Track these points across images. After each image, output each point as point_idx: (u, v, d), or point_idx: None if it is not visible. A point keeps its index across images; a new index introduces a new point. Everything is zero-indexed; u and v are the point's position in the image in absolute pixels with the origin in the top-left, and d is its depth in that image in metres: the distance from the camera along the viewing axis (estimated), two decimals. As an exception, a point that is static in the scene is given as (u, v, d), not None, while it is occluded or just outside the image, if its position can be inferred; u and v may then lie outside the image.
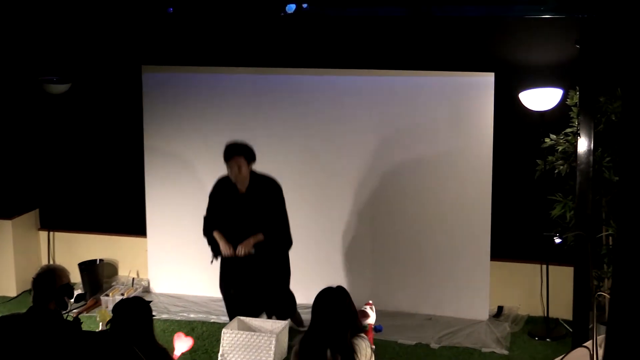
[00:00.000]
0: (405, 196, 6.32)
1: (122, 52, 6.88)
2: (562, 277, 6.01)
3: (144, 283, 6.90)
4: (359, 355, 3.93)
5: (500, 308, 6.33)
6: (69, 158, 7.18)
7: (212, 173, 6.00)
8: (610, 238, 5.75)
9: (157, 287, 6.89)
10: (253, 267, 5.74)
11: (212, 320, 6.28)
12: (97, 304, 6.54)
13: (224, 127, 6.38)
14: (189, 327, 6.15)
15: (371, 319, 4.94)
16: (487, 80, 6.01)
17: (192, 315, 6.39)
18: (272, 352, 5.36)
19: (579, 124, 5.52)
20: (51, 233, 7.16)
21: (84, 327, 4.40)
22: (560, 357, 4.06)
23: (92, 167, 7.15)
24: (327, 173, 6.45)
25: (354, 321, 4.06)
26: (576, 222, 5.55)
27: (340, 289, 4.08)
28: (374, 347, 4.22)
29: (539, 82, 5.83)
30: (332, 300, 4.01)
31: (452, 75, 6.12)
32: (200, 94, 6.61)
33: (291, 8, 5.87)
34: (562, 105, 5.81)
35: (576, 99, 5.69)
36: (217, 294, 6.09)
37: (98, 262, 6.94)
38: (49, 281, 4.17)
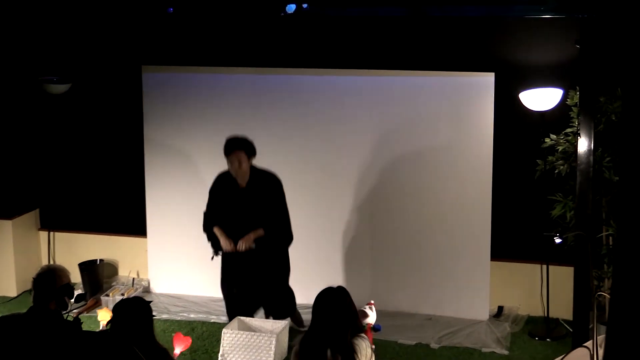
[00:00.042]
0: (405, 196, 6.32)
1: (122, 52, 6.88)
2: (562, 277, 6.01)
3: (144, 283, 6.90)
4: (359, 355, 3.93)
5: (500, 308, 6.33)
6: (69, 158, 7.18)
7: (212, 173, 5.99)
8: (610, 238, 5.75)
9: (157, 287, 6.89)
10: (254, 264, 5.73)
11: (212, 320, 6.28)
12: (97, 304, 6.54)
13: (224, 127, 6.37)
14: (189, 327, 6.15)
15: (370, 319, 4.94)
16: (487, 81, 6.01)
17: (192, 315, 6.39)
18: (272, 352, 5.36)
19: (579, 124, 5.52)
20: (51, 233, 7.16)
21: (84, 327, 4.40)
22: (560, 357, 4.06)
23: (92, 167, 7.16)
24: (326, 173, 6.45)
25: (354, 321, 4.06)
26: (576, 222, 5.55)
27: (340, 289, 4.08)
28: (373, 347, 4.22)
29: (539, 82, 5.83)
30: (333, 300, 4.01)
31: (452, 75, 6.12)
32: (200, 94, 6.62)
33: (291, 8, 5.86)
34: (562, 105, 5.81)
35: (576, 99, 5.69)
36: (217, 294, 6.09)
37: (98, 262, 6.94)
38: (49, 281, 4.17)
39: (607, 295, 5.18)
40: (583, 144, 5.45)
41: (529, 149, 6.08)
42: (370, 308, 4.99)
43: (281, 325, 5.63)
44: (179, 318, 6.35)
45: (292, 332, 5.70)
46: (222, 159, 5.76)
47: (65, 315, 4.20)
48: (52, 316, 4.11)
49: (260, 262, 5.74)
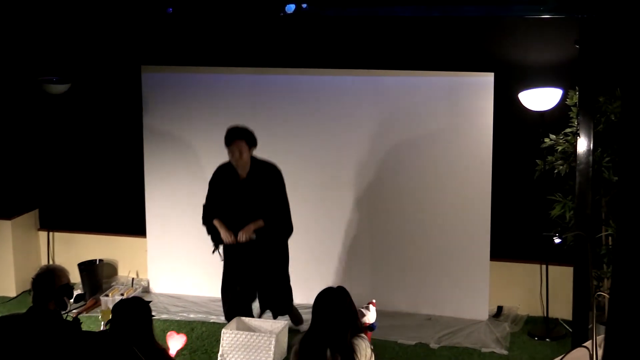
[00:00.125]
0: (405, 196, 6.32)
1: (122, 52, 6.88)
2: (562, 277, 6.01)
3: (144, 283, 6.90)
4: (358, 356, 3.93)
5: (500, 308, 6.33)
6: (69, 158, 7.18)
7: (211, 173, 5.99)
8: (610, 238, 5.76)
9: (156, 287, 6.89)
10: (255, 256, 5.70)
11: (212, 320, 6.28)
12: (97, 304, 6.54)
13: (224, 127, 6.35)
14: (188, 327, 6.15)
15: (366, 318, 4.93)
16: (486, 80, 6.01)
17: (191, 315, 6.39)
18: (271, 352, 5.36)
19: (578, 124, 5.52)
20: (51, 233, 7.16)
21: (84, 327, 4.40)
22: (560, 357, 4.05)
23: (92, 167, 7.15)
24: (326, 173, 6.45)
25: (354, 321, 4.06)
26: (576, 222, 5.55)
27: (340, 289, 4.09)
28: (372, 346, 4.22)
29: (538, 82, 5.83)
30: (333, 300, 4.02)
31: (452, 75, 6.12)
32: (199, 94, 6.62)
33: (291, 8, 5.86)
34: (561, 105, 5.81)
35: (576, 99, 5.69)
36: (216, 294, 6.07)
37: (98, 262, 6.94)
38: (49, 281, 4.17)
39: (607, 295, 5.18)
40: (582, 144, 5.45)
41: (528, 149, 6.08)
42: (367, 308, 4.98)
43: (281, 325, 5.63)
44: (178, 318, 6.35)
45: (292, 332, 5.70)
46: (221, 159, 5.76)
47: (64, 316, 4.20)
48: (51, 316, 4.11)
49: (261, 253, 5.72)
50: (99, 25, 6.84)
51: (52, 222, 7.19)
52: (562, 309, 6.07)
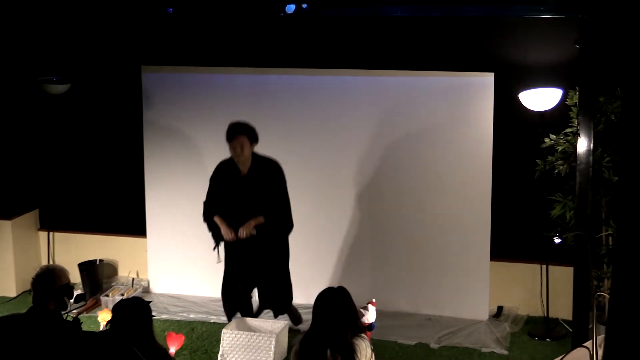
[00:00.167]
0: (404, 196, 6.32)
1: (122, 52, 6.88)
2: (562, 277, 6.01)
3: (144, 283, 6.90)
4: (359, 356, 3.93)
5: (500, 308, 6.33)
6: (69, 158, 7.18)
7: (211, 173, 5.99)
8: (610, 238, 5.76)
9: (156, 287, 6.89)
10: (256, 252, 5.69)
11: (212, 320, 6.28)
12: (97, 304, 6.54)
13: (224, 127, 6.35)
14: (188, 327, 6.15)
15: (365, 318, 4.93)
16: (486, 81, 6.01)
17: (192, 316, 6.39)
18: (272, 352, 5.36)
19: (578, 124, 5.52)
20: (51, 233, 7.16)
21: (84, 327, 4.40)
22: (560, 357, 4.05)
23: (92, 167, 7.16)
24: (326, 173, 6.45)
25: (354, 321, 4.06)
26: (576, 222, 5.55)
27: (341, 289, 4.09)
28: (372, 346, 4.22)
29: (538, 82, 5.83)
30: (333, 300, 4.02)
31: (452, 76, 6.12)
32: (199, 94, 6.61)
33: (291, 8, 5.86)
34: (561, 105, 5.81)
35: (576, 99, 5.69)
36: (216, 294, 6.07)
37: (98, 263, 6.94)
38: (49, 281, 4.17)
39: (607, 296, 5.18)
40: (582, 144, 5.45)
41: (528, 149, 6.08)
42: (366, 308, 4.97)
43: (281, 325, 5.63)
44: (178, 318, 6.35)
45: (292, 332, 5.70)
46: (222, 158, 5.76)
47: (64, 316, 4.20)
48: (51, 316, 4.11)
49: (261, 249, 5.71)
50: (99, 25, 6.84)
51: (52, 222, 7.19)
52: (562, 309, 6.07)
